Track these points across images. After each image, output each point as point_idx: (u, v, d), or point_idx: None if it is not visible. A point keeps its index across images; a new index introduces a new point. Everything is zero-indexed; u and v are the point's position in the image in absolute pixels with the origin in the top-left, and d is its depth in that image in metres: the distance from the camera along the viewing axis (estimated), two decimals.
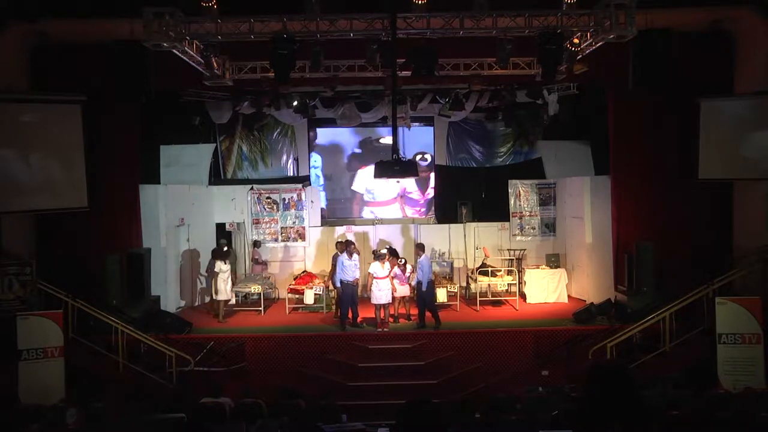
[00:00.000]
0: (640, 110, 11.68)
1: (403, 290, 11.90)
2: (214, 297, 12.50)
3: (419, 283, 11.55)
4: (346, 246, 11.79)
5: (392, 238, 14.42)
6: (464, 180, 15.65)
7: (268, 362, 10.83)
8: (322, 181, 16.19)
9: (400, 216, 16.15)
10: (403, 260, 11.93)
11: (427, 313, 11.62)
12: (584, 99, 12.77)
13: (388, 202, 16.38)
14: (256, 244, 14.19)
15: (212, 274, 12.48)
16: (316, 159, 16.21)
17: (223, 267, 12.29)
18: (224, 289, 12.29)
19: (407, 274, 11.89)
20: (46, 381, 9.43)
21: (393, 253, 12.00)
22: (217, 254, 12.57)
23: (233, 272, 13.09)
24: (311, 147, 16.10)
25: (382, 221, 15.51)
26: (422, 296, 11.57)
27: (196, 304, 13.82)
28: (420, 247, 12.09)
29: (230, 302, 12.87)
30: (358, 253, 12.00)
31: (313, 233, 14.64)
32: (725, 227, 11.66)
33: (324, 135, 16.28)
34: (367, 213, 16.23)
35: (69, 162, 11.18)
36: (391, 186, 15.94)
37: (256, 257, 13.98)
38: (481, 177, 15.59)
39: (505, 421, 6.46)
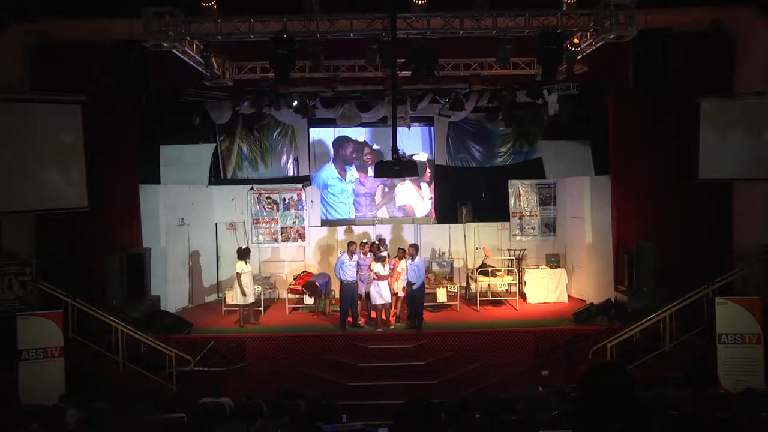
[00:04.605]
0: (640, 110, 11.67)
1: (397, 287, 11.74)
2: (236, 301, 11.79)
3: (411, 284, 11.43)
4: (348, 246, 11.79)
5: (392, 238, 14.41)
6: (464, 180, 15.63)
7: (268, 362, 10.83)
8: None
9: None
10: (383, 255, 11.67)
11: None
12: (584, 99, 12.76)
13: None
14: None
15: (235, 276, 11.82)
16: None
17: (245, 267, 11.74)
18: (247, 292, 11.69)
19: (388, 268, 11.52)
20: (46, 381, 9.46)
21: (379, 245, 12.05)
22: (241, 254, 11.91)
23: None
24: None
25: (381, 221, 15.50)
26: (416, 297, 11.47)
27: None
28: (416, 248, 11.82)
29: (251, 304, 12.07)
30: (366, 253, 11.79)
31: (313, 233, 14.64)
32: (725, 227, 11.66)
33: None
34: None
35: (69, 162, 11.19)
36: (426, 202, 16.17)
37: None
38: (481, 177, 15.60)
39: (505, 422, 6.46)
